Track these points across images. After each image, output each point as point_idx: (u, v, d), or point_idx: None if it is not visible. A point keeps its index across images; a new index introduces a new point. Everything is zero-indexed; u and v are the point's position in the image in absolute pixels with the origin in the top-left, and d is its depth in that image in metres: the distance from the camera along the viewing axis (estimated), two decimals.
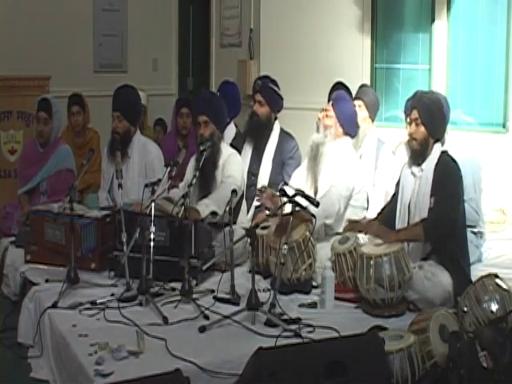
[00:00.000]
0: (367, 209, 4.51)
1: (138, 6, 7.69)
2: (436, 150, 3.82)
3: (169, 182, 4.47)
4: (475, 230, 4.38)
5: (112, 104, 4.79)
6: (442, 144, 4.25)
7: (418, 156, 3.85)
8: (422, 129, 3.81)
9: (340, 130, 4.47)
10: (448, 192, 3.71)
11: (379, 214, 4.13)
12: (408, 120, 4.40)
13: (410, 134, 3.86)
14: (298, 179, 4.55)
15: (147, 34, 7.73)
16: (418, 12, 5.76)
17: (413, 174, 3.90)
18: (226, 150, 4.58)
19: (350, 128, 4.52)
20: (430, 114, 3.81)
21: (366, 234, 3.98)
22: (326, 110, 4.48)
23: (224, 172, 4.46)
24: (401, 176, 4.00)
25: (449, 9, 5.53)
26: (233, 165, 4.49)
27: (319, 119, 4.49)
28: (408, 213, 3.88)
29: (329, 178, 4.38)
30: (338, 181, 4.31)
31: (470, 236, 4.07)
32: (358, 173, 4.40)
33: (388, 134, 5.35)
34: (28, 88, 6.34)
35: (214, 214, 4.22)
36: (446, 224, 3.68)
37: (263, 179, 4.94)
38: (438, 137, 3.86)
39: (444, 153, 3.83)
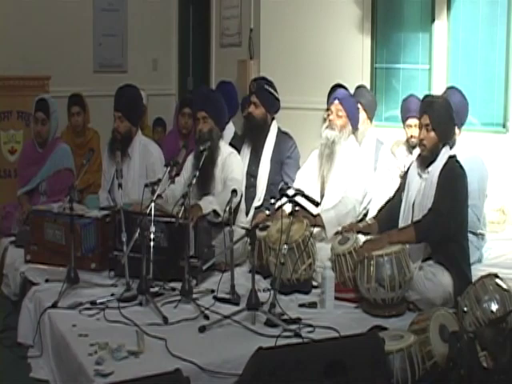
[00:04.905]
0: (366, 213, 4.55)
1: (137, 6, 7.68)
2: (444, 154, 3.82)
3: (169, 181, 4.48)
4: (476, 231, 4.38)
5: (114, 104, 4.78)
6: (452, 146, 4.26)
7: (426, 161, 3.86)
8: (433, 134, 3.80)
9: (350, 128, 4.50)
10: (448, 196, 3.70)
11: (378, 211, 4.13)
12: (414, 124, 4.42)
13: (421, 140, 3.85)
14: (304, 178, 4.57)
15: (147, 33, 7.73)
16: (418, 12, 5.76)
17: (419, 174, 3.90)
18: (225, 148, 4.59)
19: (356, 123, 4.60)
20: (441, 120, 3.80)
21: (364, 235, 3.99)
22: (337, 110, 4.47)
23: (225, 173, 4.46)
24: (408, 174, 4.00)
25: (449, 9, 5.53)
26: (234, 166, 4.50)
27: (330, 121, 4.48)
28: (412, 212, 3.87)
29: (338, 182, 4.40)
30: (352, 187, 4.38)
31: (470, 237, 4.06)
32: (369, 176, 4.50)
33: (388, 134, 5.35)
34: (28, 88, 6.35)
35: (215, 213, 4.22)
36: (439, 227, 3.66)
37: (262, 180, 4.93)
38: (447, 140, 3.87)
39: (452, 158, 3.83)
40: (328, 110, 4.57)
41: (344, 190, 4.40)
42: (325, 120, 4.57)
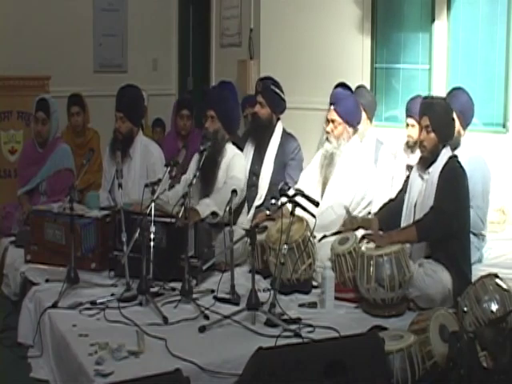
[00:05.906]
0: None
1: (137, 5, 7.69)
2: (444, 155, 3.82)
3: (169, 181, 4.47)
4: (479, 232, 4.38)
5: (115, 104, 4.78)
6: (457, 146, 4.26)
7: (427, 162, 3.87)
8: (433, 135, 3.80)
9: (350, 130, 4.49)
10: (449, 195, 3.70)
11: (380, 209, 4.13)
12: (411, 124, 4.41)
13: (421, 142, 3.86)
14: (307, 179, 4.57)
15: (147, 33, 7.73)
16: (418, 12, 5.76)
17: (420, 176, 3.90)
18: (231, 150, 4.59)
19: (356, 120, 4.57)
20: (440, 121, 3.81)
21: (365, 229, 3.99)
22: (332, 120, 4.46)
23: (228, 173, 4.46)
24: (410, 176, 4.01)
25: (449, 9, 5.53)
26: (237, 166, 4.50)
27: (328, 132, 4.48)
28: (414, 214, 3.88)
29: (339, 183, 4.40)
30: (342, 193, 4.36)
31: (471, 237, 4.05)
32: (370, 178, 4.46)
33: (388, 134, 5.35)
34: (28, 88, 6.36)
35: (214, 214, 4.22)
36: (440, 225, 3.67)
37: (264, 180, 4.92)
38: (447, 141, 3.87)
39: (452, 158, 3.83)
40: (327, 120, 4.56)
41: (334, 198, 4.40)
42: (324, 130, 4.57)
